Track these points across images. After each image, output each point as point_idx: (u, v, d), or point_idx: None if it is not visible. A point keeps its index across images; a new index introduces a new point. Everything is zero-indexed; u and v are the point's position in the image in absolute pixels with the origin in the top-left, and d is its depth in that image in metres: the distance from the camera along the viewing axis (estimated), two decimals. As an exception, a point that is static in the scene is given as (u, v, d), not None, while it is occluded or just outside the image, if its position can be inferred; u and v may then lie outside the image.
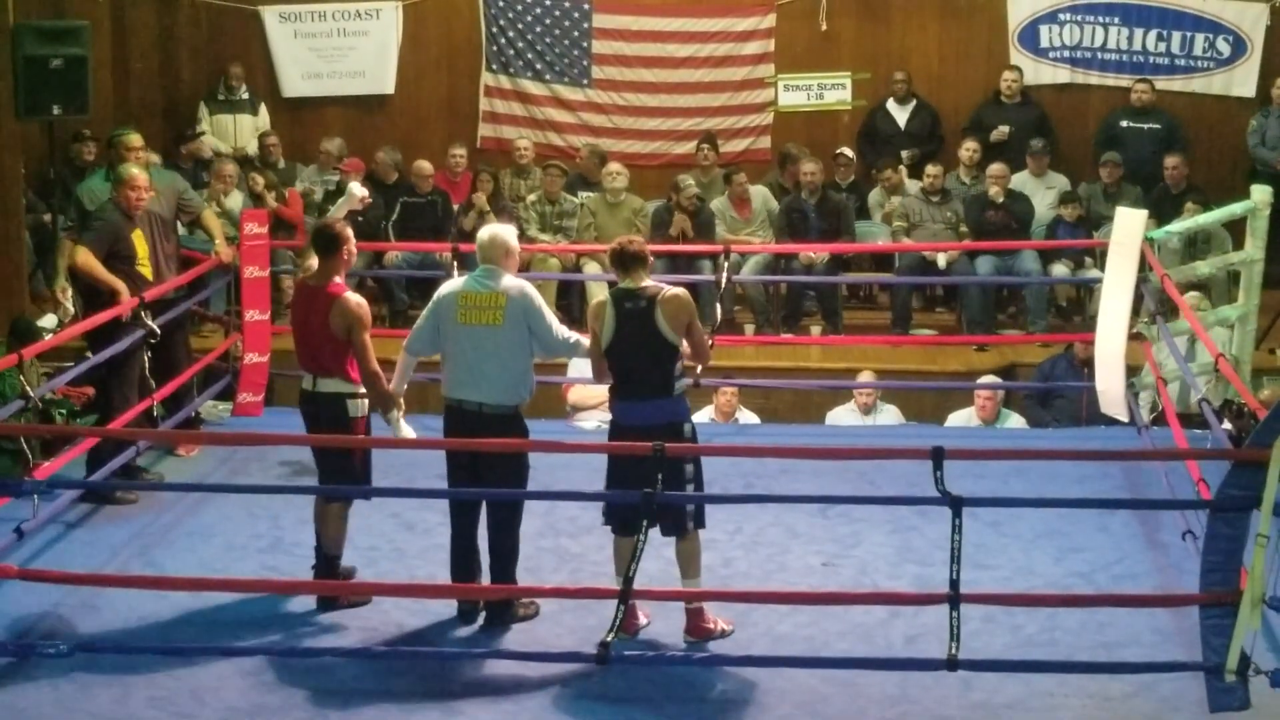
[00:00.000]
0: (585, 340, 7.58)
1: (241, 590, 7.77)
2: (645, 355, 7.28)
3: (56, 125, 12.64)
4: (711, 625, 7.40)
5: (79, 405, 9.86)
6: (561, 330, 7.57)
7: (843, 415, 11.67)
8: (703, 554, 7.50)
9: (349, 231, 7.99)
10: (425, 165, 13.87)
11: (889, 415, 11.67)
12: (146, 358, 9.57)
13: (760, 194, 13.79)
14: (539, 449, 7.76)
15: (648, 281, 7.38)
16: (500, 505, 7.54)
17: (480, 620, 7.55)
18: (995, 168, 13.43)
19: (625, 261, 7.38)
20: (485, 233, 7.66)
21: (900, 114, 14.74)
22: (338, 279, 7.80)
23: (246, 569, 8.20)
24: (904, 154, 14.33)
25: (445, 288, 7.69)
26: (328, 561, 7.85)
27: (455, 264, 10.57)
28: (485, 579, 7.62)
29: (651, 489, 6.79)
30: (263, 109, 14.99)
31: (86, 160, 13.60)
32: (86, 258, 9.25)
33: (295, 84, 15.36)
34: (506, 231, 7.71)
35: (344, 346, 7.73)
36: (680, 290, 7.38)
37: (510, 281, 7.50)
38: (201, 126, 14.75)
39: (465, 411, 7.51)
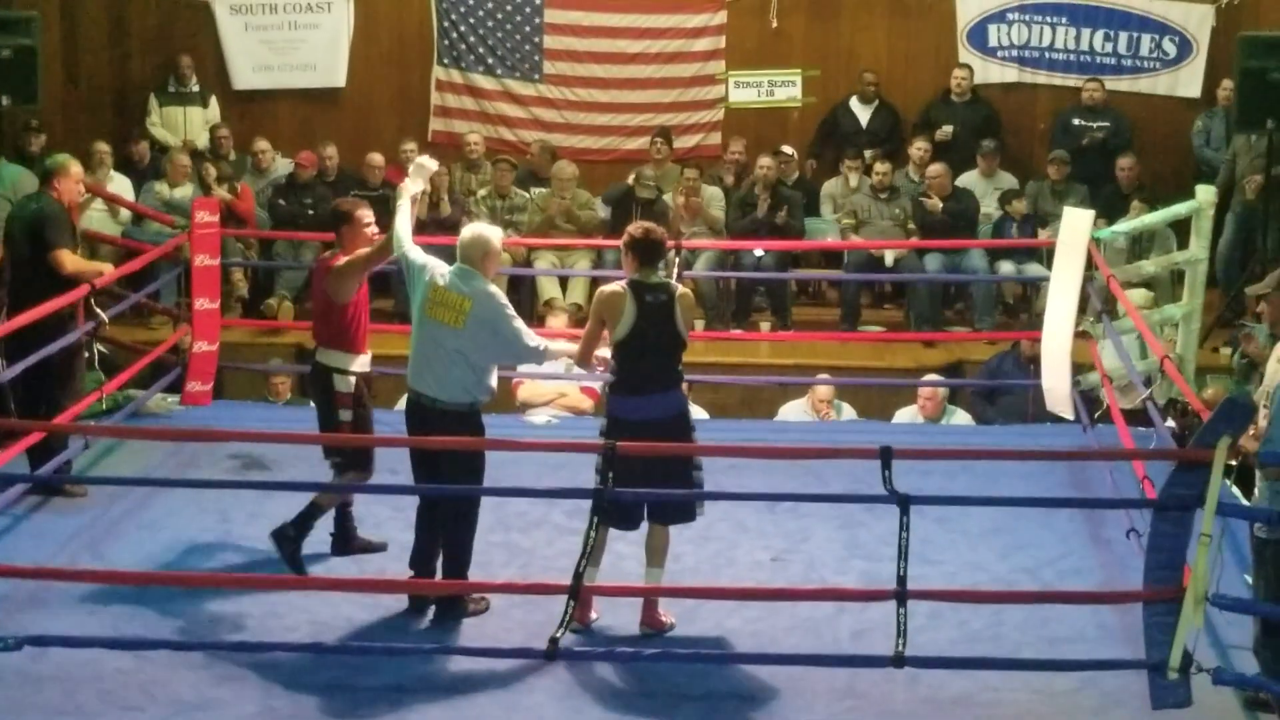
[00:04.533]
0: (554, 346, 7.63)
1: (191, 584, 7.74)
2: (663, 349, 7.38)
3: (5, 116, 12.55)
4: (665, 618, 7.44)
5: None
6: (530, 337, 7.48)
7: (795, 411, 11.68)
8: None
9: (359, 211, 8.15)
10: (377, 156, 13.87)
11: (844, 413, 11.67)
12: (98, 349, 9.55)
13: (709, 196, 13.75)
14: (524, 448, 7.77)
15: (659, 276, 7.48)
16: (454, 502, 7.54)
17: (430, 615, 7.56)
18: (933, 169, 13.48)
19: (647, 250, 7.40)
20: (468, 232, 7.61)
21: (863, 113, 14.79)
22: (341, 253, 8.03)
23: (196, 562, 8.18)
24: (867, 153, 14.32)
25: (437, 265, 7.58)
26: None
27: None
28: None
29: (651, 480, 7.04)
30: (213, 101, 14.89)
31: (34, 152, 13.52)
32: (75, 262, 9.10)
33: (246, 76, 15.28)
34: (490, 232, 7.65)
35: (337, 318, 7.98)
36: (684, 287, 7.60)
37: (481, 286, 7.43)
38: (152, 118, 14.69)
39: (421, 404, 7.52)
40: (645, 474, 7.13)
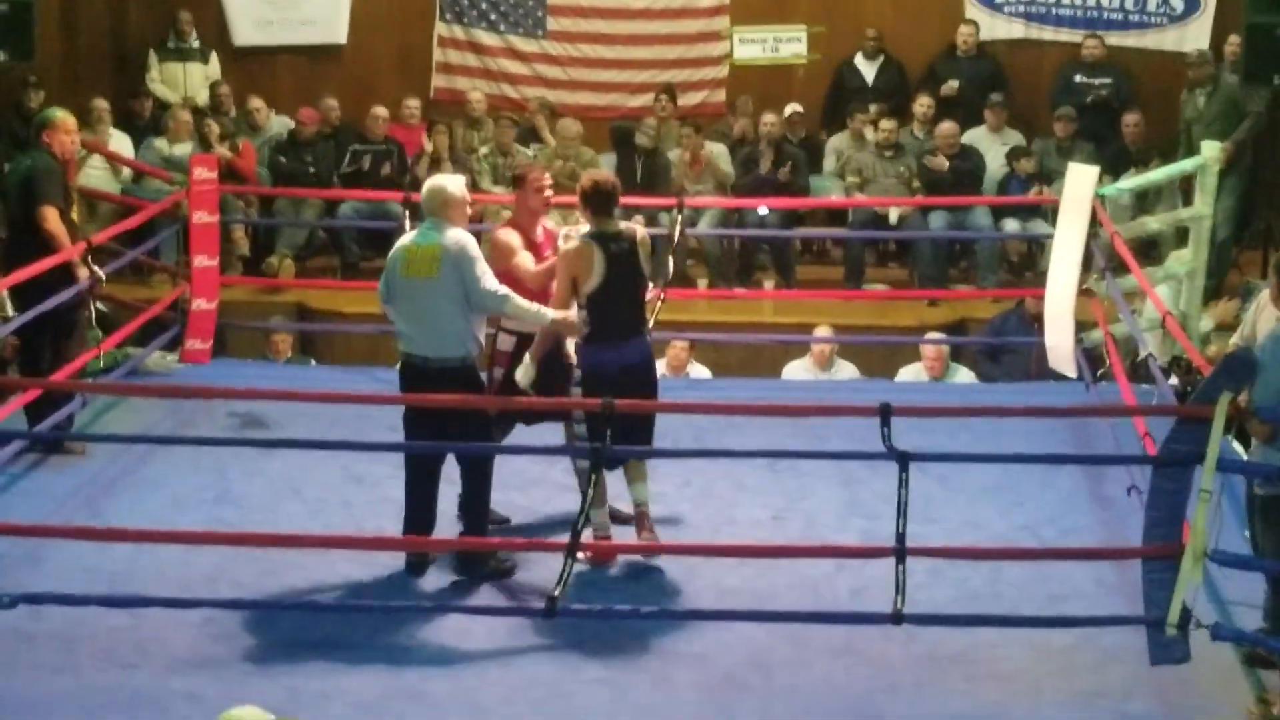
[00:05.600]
0: (518, 300, 7.42)
1: (188, 542, 7.66)
2: (632, 296, 7.53)
3: (2, 72, 12.50)
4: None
5: (9, 356, 9.79)
6: (492, 283, 7.38)
7: (798, 370, 11.65)
8: (651, 506, 7.65)
9: (533, 174, 8.11)
10: (380, 109, 13.79)
11: (846, 370, 11.64)
12: (95, 306, 9.50)
13: (716, 153, 13.70)
14: (523, 407, 7.72)
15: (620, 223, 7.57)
16: (470, 459, 7.51)
17: (453, 571, 7.53)
18: (944, 128, 13.39)
19: (600, 200, 7.47)
20: (426, 185, 7.61)
21: (868, 69, 14.69)
22: (513, 215, 8.11)
23: (193, 520, 8.13)
24: (872, 108, 14.22)
25: (400, 240, 7.66)
26: None
27: (408, 214, 10.48)
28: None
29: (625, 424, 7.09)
30: (213, 57, 14.81)
31: (32, 108, 13.47)
32: (56, 224, 8.95)
33: (246, 32, 15.20)
34: (448, 181, 7.61)
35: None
36: (642, 229, 7.70)
37: (450, 233, 7.40)
38: (151, 75, 14.62)
39: (415, 365, 7.48)
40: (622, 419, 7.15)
